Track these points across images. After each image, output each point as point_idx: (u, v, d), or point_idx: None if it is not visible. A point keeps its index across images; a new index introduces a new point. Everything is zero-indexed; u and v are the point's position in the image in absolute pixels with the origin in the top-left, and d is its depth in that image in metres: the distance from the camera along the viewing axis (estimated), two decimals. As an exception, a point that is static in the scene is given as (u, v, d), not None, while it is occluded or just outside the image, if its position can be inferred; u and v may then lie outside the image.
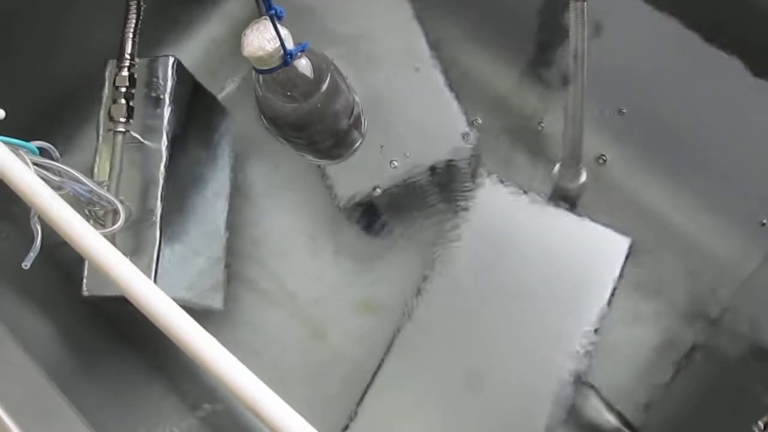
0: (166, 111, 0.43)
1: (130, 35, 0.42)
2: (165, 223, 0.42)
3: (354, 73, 0.47)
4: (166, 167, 0.43)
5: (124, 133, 0.41)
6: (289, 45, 0.37)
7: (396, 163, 0.50)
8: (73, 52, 0.50)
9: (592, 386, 0.47)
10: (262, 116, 0.43)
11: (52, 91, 0.50)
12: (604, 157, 0.50)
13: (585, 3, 0.34)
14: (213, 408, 0.49)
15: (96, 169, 0.42)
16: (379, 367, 0.46)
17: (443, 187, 0.51)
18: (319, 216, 0.53)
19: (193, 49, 0.57)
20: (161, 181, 0.42)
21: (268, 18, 0.35)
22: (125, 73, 0.41)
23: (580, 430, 0.46)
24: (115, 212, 0.39)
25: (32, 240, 0.32)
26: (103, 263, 0.26)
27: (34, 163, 0.30)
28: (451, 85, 0.50)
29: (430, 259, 0.48)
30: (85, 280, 0.41)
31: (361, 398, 0.46)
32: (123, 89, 0.41)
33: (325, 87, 0.41)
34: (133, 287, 0.25)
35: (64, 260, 0.46)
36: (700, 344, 0.47)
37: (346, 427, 0.45)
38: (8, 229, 0.48)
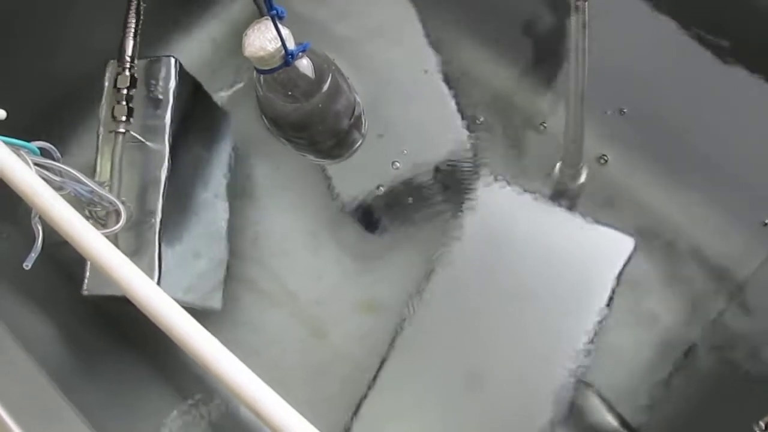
0: (167, 111, 0.43)
1: (131, 35, 0.42)
2: (165, 224, 0.42)
3: (355, 73, 0.47)
4: (167, 168, 0.43)
5: (124, 133, 0.41)
6: (291, 45, 0.37)
7: (397, 163, 0.50)
8: (73, 52, 0.50)
9: (592, 386, 0.47)
10: (263, 116, 0.44)
11: (52, 92, 0.50)
12: (605, 157, 0.50)
13: (586, 3, 0.34)
14: (214, 408, 0.49)
15: (97, 170, 0.42)
16: (380, 366, 0.46)
17: (444, 186, 0.51)
18: (320, 216, 0.53)
19: (193, 49, 0.57)
20: (162, 182, 0.42)
21: (269, 18, 0.35)
22: (126, 73, 0.41)
23: (580, 430, 0.46)
24: (117, 213, 0.39)
25: (33, 240, 0.32)
26: (105, 264, 0.26)
27: (35, 164, 0.30)
28: (452, 85, 0.50)
29: (431, 259, 0.48)
30: (85, 280, 0.41)
31: (362, 398, 0.46)
32: (123, 90, 0.41)
33: (326, 87, 0.41)
34: (134, 288, 0.25)
35: (64, 260, 0.46)
36: (700, 344, 0.47)
37: (347, 426, 0.45)
38: (9, 229, 0.48)
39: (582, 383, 0.45)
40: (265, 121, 0.44)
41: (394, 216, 0.52)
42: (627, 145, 0.51)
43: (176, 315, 0.25)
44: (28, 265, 0.32)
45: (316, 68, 0.40)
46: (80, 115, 0.52)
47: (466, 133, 0.50)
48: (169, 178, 0.43)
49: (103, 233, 0.26)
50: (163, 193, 0.42)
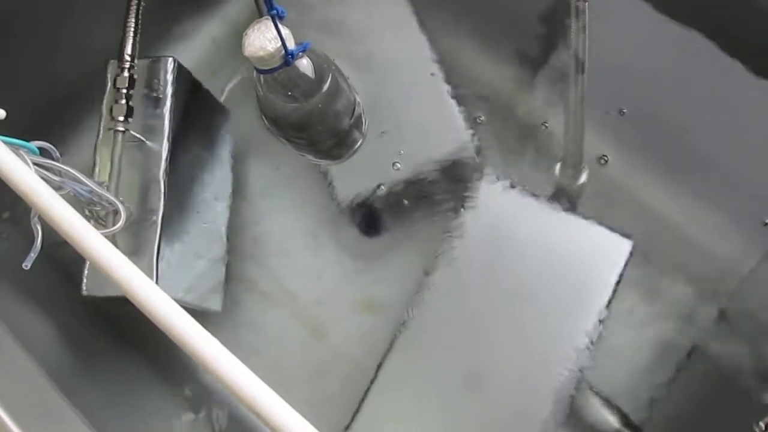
0: (167, 111, 0.43)
1: (131, 35, 0.42)
2: (165, 224, 0.42)
3: (355, 73, 0.47)
4: (167, 167, 0.43)
5: (124, 133, 0.41)
6: (291, 45, 0.37)
7: (397, 163, 0.50)
8: (73, 52, 0.50)
9: (592, 386, 0.47)
10: (263, 116, 0.43)
11: (52, 91, 0.50)
12: (605, 158, 0.50)
13: (587, 3, 0.34)
14: (214, 408, 0.49)
15: (96, 170, 0.42)
16: (380, 366, 0.46)
17: (444, 186, 0.51)
18: (320, 216, 0.53)
19: (193, 49, 0.57)
20: (161, 182, 0.42)
21: (269, 18, 0.35)
22: (125, 73, 0.41)
23: (580, 430, 0.46)
24: (116, 212, 0.39)
25: (32, 240, 0.32)
26: (105, 264, 0.25)
27: (35, 163, 0.30)
28: (453, 85, 0.50)
29: (431, 259, 0.48)
30: (84, 280, 0.41)
31: (362, 398, 0.46)
32: (123, 89, 0.41)
33: (326, 87, 0.41)
34: (134, 288, 0.25)
35: (64, 260, 0.46)
36: (700, 344, 0.47)
37: (347, 426, 0.45)
38: (8, 229, 0.48)
39: (582, 383, 0.45)
40: (265, 121, 0.44)
41: (395, 216, 0.52)
42: (627, 146, 0.51)
43: (176, 315, 0.25)
44: (27, 265, 0.32)
45: (316, 68, 0.40)
46: (80, 115, 0.52)
47: (466, 132, 0.50)
48: (168, 177, 0.43)
49: (102, 233, 0.26)
50: (163, 192, 0.42)
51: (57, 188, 0.32)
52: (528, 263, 0.46)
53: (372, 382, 0.46)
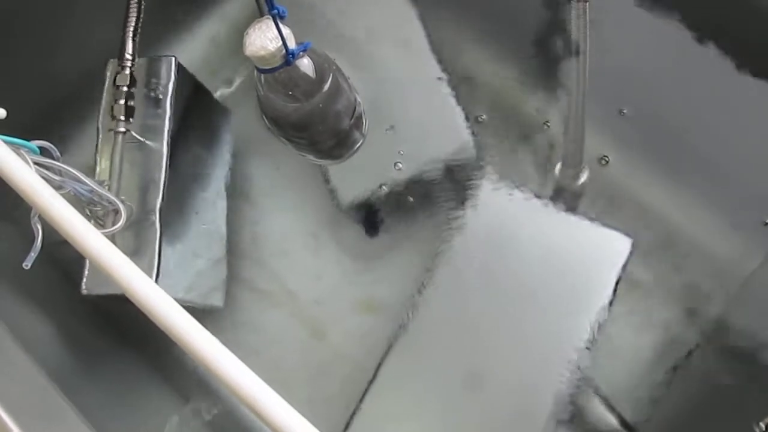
0: (167, 111, 0.43)
1: (131, 35, 0.42)
2: (165, 223, 0.42)
3: (356, 72, 0.47)
4: (167, 167, 0.43)
5: (124, 132, 0.41)
6: (291, 44, 0.37)
7: (398, 163, 0.50)
8: (73, 51, 0.50)
9: (592, 386, 0.47)
10: (263, 116, 0.43)
11: (52, 91, 0.50)
12: (606, 158, 0.50)
13: (587, 3, 0.34)
14: (214, 407, 0.49)
15: (96, 169, 0.42)
16: (380, 366, 0.46)
17: (444, 186, 0.51)
18: (320, 216, 0.53)
19: (193, 48, 0.57)
20: (162, 181, 0.42)
21: (270, 17, 0.35)
22: (126, 72, 0.41)
23: (580, 430, 0.46)
24: (116, 212, 0.39)
25: (32, 240, 0.32)
26: (105, 263, 0.25)
27: (35, 163, 0.30)
28: (454, 84, 0.50)
29: (431, 259, 0.48)
30: (84, 279, 0.41)
31: (362, 398, 0.46)
32: (123, 89, 0.41)
33: (326, 87, 0.41)
34: (134, 287, 0.25)
35: (63, 260, 0.46)
36: (700, 344, 0.47)
37: (347, 426, 0.45)
38: (8, 229, 0.48)
39: (582, 383, 0.45)
40: (266, 120, 0.44)
41: (395, 216, 0.52)
42: (628, 146, 0.51)
43: (177, 315, 0.24)
44: (27, 264, 0.32)
45: (317, 68, 0.40)
46: (80, 115, 0.52)
47: (467, 132, 0.50)
48: (168, 177, 0.43)
49: (103, 233, 0.26)
50: (163, 192, 0.42)
51: (57, 188, 0.32)
52: (528, 263, 0.46)
53: (372, 381, 0.46)
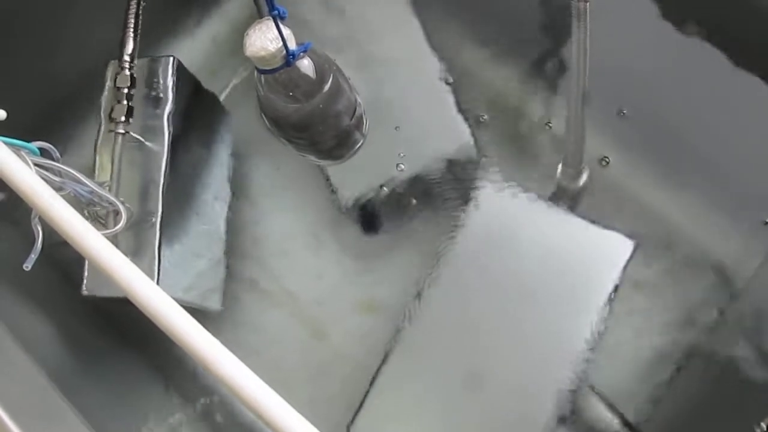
0: (167, 111, 0.43)
1: (131, 35, 0.42)
2: (165, 224, 0.42)
3: (356, 73, 0.47)
4: (167, 168, 0.43)
5: (124, 133, 0.41)
6: (292, 45, 0.37)
7: (399, 164, 0.50)
8: (73, 52, 0.50)
9: (592, 386, 0.47)
10: (263, 116, 0.43)
11: (52, 92, 0.50)
12: (607, 159, 0.50)
13: (588, 3, 0.34)
14: (214, 408, 0.49)
15: (96, 170, 0.42)
16: (380, 366, 0.46)
17: (445, 186, 0.51)
18: (320, 216, 0.53)
19: (193, 49, 0.57)
20: (162, 182, 0.42)
21: (270, 18, 0.35)
22: (126, 73, 0.41)
23: (581, 430, 0.46)
24: (116, 213, 0.39)
25: (32, 241, 0.32)
26: (106, 264, 0.25)
27: (35, 164, 0.30)
28: (455, 85, 0.50)
29: (431, 259, 0.48)
30: (84, 281, 0.41)
31: (363, 398, 0.46)
32: (123, 89, 0.41)
33: (327, 87, 0.41)
34: (135, 288, 0.25)
35: (64, 261, 0.46)
36: (701, 344, 0.47)
37: (348, 426, 0.45)
38: (8, 229, 0.48)
39: (582, 383, 0.45)
40: (266, 121, 0.44)
41: (395, 216, 0.52)
42: (629, 147, 0.51)
43: (177, 316, 0.25)
44: (28, 266, 0.32)
45: (318, 68, 0.40)
46: (80, 115, 0.52)
47: (468, 132, 0.50)
48: (168, 178, 0.43)
49: (103, 234, 0.26)
50: (163, 193, 0.42)
51: (57, 189, 0.32)
52: (529, 263, 0.46)
53: (372, 382, 0.46)
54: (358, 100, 0.47)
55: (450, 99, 0.50)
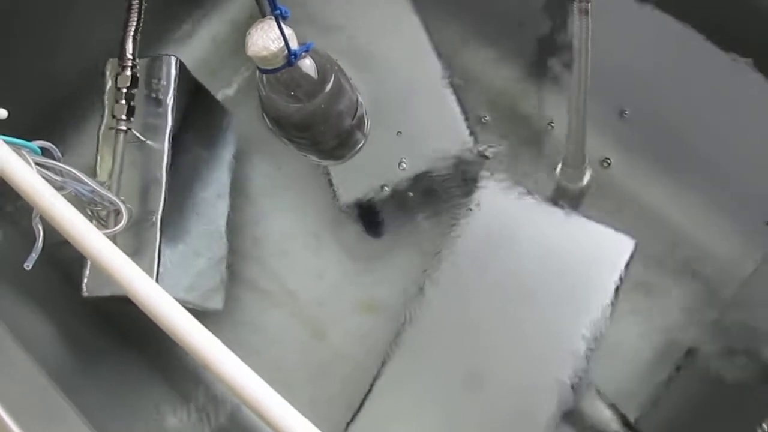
0: (168, 110, 0.43)
1: (132, 34, 0.42)
2: (166, 223, 0.42)
3: (357, 73, 0.47)
4: (168, 167, 0.43)
5: (125, 132, 0.41)
6: (294, 45, 0.37)
7: (400, 164, 0.50)
8: (74, 51, 0.50)
9: (592, 386, 0.47)
10: (265, 116, 0.43)
11: (53, 91, 0.50)
12: (608, 160, 0.50)
13: (589, 3, 0.34)
14: (214, 407, 0.49)
15: (97, 169, 0.42)
16: (381, 367, 0.46)
17: (446, 186, 0.51)
18: (321, 216, 0.53)
19: (193, 48, 0.57)
20: (163, 181, 0.42)
21: (272, 18, 0.35)
22: (127, 72, 0.41)
23: (581, 430, 0.46)
24: (117, 212, 0.39)
25: (32, 240, 0.32)
26: (107, 264, 0.25)
27: (36, 163, 0.30)
28: (456, 85, 0.50)
29: (432, 259, 0.48)
30: (85, 280, 0.41)
31: (363, 398, 0.46)
32: (124, 89, 0.41)
33: (329, 87, 0.41)
34: (136, 288, 0.25)
35: (64, 260, 0.45)
36: (701, 344, 0.47)
37: (349, 426, 0.45)
38: (8, 229, 0.48)
39: (583, 383, 0.45)
40: (268, 121, 0.44)
41: (396, 216, 0.52)
42: (630, 148, 0.51)
43: (178, 316, 0.25)
44: (28, 265, 0.32)
45: (319, 68, 0.40)
46: (81, 115, 0.52)
47: (469, 132, 0.50)
48: (169, 177, 0.43)
49: (104, 233, 0.26)
50: (164, 192, 0.42)
51: (58, 188, 0.32)
52: (529, 263, 0.46)
53: (373, 382, 0.46)
54: (360, 100, 0.47)
55: (451, 99, 0.50)
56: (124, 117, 0.41)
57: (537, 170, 0.51)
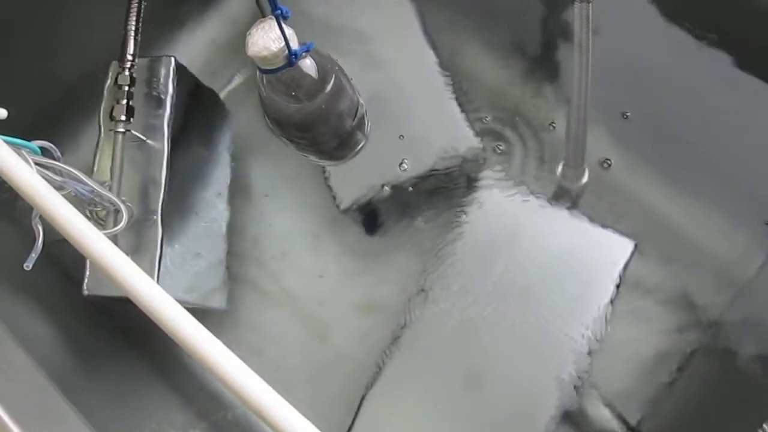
0: (167, 111, 0.43)
1: (132, 35, 0.41)
2: (165, 223, 0.42)
3: (358, 73, 0.47)
4: (168, 167, 0.43)
5: (125, 132, 0.41)
6: (294, 45, 0.37)
7: (401, 164, 0.50)
8: (73, 51, 0.50)
9: (593, 387, 0.47)
10: (265, 116, 0.43)
11: (53, 91, 0.50)
12: (608, 161, 0.50)
13: (590, 5, 0.34)
14: (214, 407, 0.49)
15: (97, 169, 0.42)
16: (381, 367, 0.46)
17: (447, 186, 0.51)
18: (321, 216, 0.53)
19: (193, 49, 0.57)
20: (162, 181, 0.42)
21: (273, 17, 0.35)
22: (126, 72, 0.41)
23: (581, 430, 0.46)
24: (117, 212, 0.39)
25: (32, 240, 0.31)
26: (107, 264, 0.25)
27: (36, 163, 0.30)
28: (457, 85, 0.50)
29: (433, 259, 0.48)
30: (85, 280, 0.41)
31: (363, 398, 0.46)
32: (124, 89, 0.41)
33: (329, 87, 0.41)
34: (136, 288, 0.25)
35: (64, 260, 0.45)
36: (702, 344, 0.47)
37: (350, 427, 0.45)
38: (8, 229, 0.48)
39: (582, 383, 0.45)
40: (268, 121, 0.44)
41: (396, 216, 0.52)
42: (630, 149, 0.51)
43: (179, 316, 0.24)
44: (28, 265, 0.32)
45: (320, 68, 0.40)
46: (81, 115, 0.52)
47: (469, 132, 0.50)
48: (169, 177, 0.43)
49: (104, 234, 0.26)
50: (164, 192, 0.42)
51: (58, 188, 0.32)
52: (529, 263, 0.46)
53: (373, 382, 0.46)
54: (360, 100, 0.47)
55: (452, 99, 0.50)
56: (123, 117, 0.41)
57: (538, 170, 0.51)
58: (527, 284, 0.46)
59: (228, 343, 0.24)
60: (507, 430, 0.45)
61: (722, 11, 0.48)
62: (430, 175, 0.50)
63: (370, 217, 0.52)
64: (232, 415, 0.49)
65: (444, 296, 0.47)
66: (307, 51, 0.38)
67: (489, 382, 0.45)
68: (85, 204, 0.38)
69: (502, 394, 0.45)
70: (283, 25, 0.35)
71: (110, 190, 0.40)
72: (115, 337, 0.49)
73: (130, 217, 0.40)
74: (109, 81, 0.43)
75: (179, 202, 0.45)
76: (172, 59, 0.44)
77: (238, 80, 0.57)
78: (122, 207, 0.38)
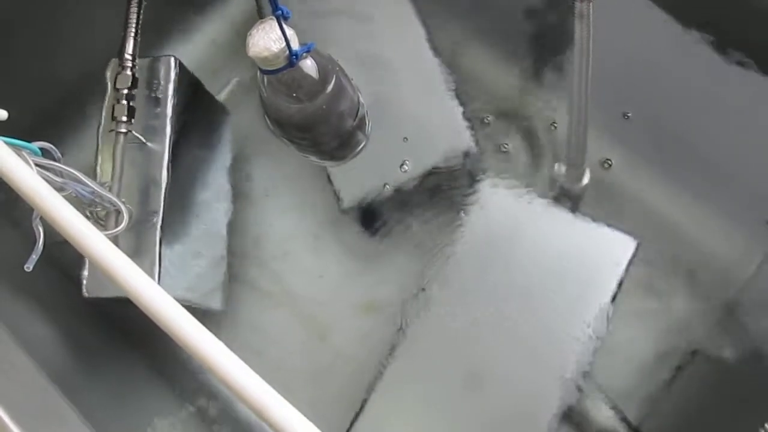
0: (168, 111, 0.43)
1: (132, 35, 0.41)
2: (166, 224, 0.42)
3: (358, 74, 0.47)
4: (168, 168, 0.43)
5: (125, 133, 0.41)
6: (295, 45, 0.37)
7: (401, 165, 0.50)
8: (74, 52, 0.50)
9: (593, 385, 0.47)
10: (266, 117, 0.43)
11: (53, 92, 0.50)
12: (609, 161, 0.50)
13: (591, 4, 0.34)
14: (214, 407, 0.49)
15: (97, 170, 0.42)
16: (382, 367, 0.46)
17: (447, 187, 0.51)
18: (321, 216, 0.53)
19: (193, 49, 0.57)
20: (163, 182, 0.42)
21: (273, 18, 0.35)
22: (127, 73, 0.41)
23: (582, 429, 0.46)
24: (118, 213, 0.39)
25: (32, 241, 0.31)
26: (107, 265, 0.25)
27: (36, 164, 0.30)
28: (458, 85, 0.50)
29: (433, 259, 0.48)
30: (85, 281, 0.41)
31: (364, 398, 0.46)
32: (124, 89, 0.41)
33: (330, 88, 0.41)
34: (137, 289, 0.25)
35: (64, 261, 0.45)
36: (702, 344, 0.47)
37: (350, 427, 0.45)
38: (8, 230, 0.48)
39: (583, 382, 0.45)
40: (269, 122, 0.44)
41: (397, 217, 0.52)
42: (630, 149, 0.51)
43: (179, 317, 0.24)
44: (29, 266, 0.32)
45: (320, 69, 0.40)
46: (81, 115, 0.52)
47: (472, 133, 0.50)
48: (169, 178, 0.43)
49: (105, 234, 0.26)
50: (164, 193, 0.42)
51: (59, 189, 0.32)
52: (531, 263, 0.46)
53: (374, 382, 0.46)
54: (361, 101, 0.47)
55: (453, 100, 0.50)
56: (124, 118, 0.41)
57: (539, 171, 0.51)
58: (528, 284, 0.46)
59: (228, 344, 0.24)
60: (509, 430, 0.45)
61: (722, 11, 0.48)
62: (431, 175, 0.50)
63: (371, 218, 0.52)
64: (232, 415, 0.49)
65: (445, 296, 0.47)
66: (308, 51, 0.38)
67: (490, 382, 0.45)
68: (86, 205, 0.38)
69: (503, 393, 0.45)
70: (284, 26, 0.35)
71: (110, 190, 0.40)
72: (115, 338, 0.49)
73: (131, 217, 0.40)
74: (109, 81, 0.43)
75: (179, 202, 0.45)
76: (173, 59, 0.44)
77: (238, 80, 0.57)
78: (123, 208, 0.38)
